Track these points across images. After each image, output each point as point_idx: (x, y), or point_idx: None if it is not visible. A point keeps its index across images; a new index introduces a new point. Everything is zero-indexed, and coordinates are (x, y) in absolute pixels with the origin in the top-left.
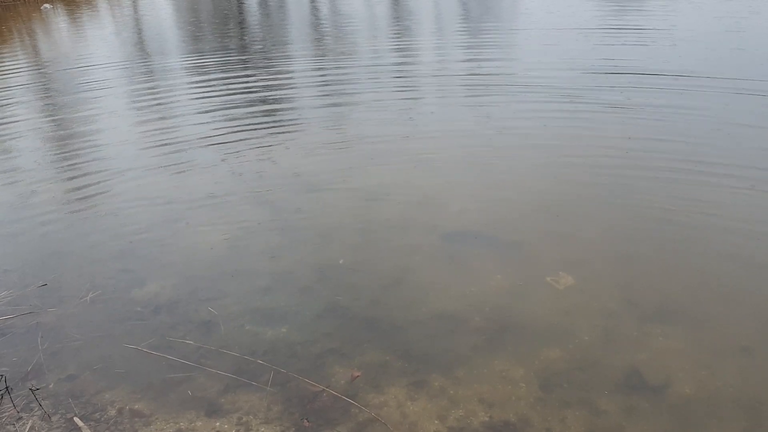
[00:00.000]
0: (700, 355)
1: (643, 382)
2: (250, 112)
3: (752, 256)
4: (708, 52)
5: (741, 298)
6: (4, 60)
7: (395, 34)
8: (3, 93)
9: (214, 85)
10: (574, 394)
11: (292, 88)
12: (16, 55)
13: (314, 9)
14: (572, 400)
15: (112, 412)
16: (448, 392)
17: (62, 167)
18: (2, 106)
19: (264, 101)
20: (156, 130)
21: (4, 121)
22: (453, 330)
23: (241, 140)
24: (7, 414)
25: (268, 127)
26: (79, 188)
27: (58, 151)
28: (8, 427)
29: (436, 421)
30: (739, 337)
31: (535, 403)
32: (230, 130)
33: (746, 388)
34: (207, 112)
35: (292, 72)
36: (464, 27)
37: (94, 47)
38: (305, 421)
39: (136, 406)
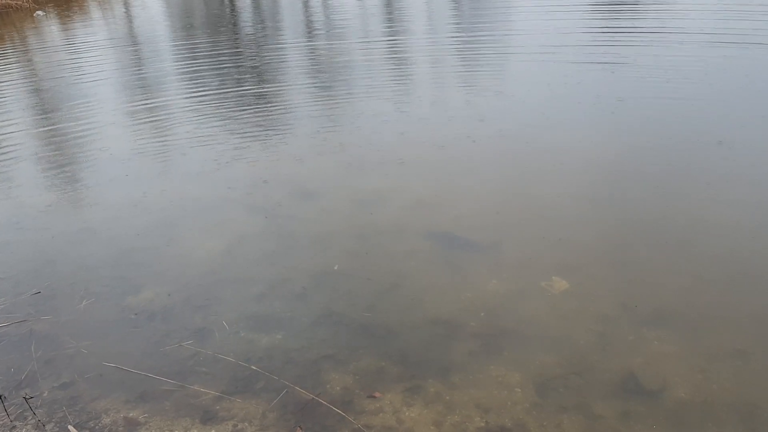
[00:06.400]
0: (696, 359)
1: (639, 387)
2: (244, 119)
3: (747, 259)
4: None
5: (736, 302)
6: None
7: (388, 34)
8: None
9: (207, 91)
10: (570, 398)
11: (286, 92)
12: (9, 62)
13: (307, 10)
14: (568, 405)
15: (107, 420)
16: (444, 398)
17: (55, 174)
18: None
19: (257, 107)
20: (149, 137)
21: None
22: (449, 335)
23: (235, 146)
24: (0, 423)
25: (263, 133)
26: (72, 195)
27: (51, 158)
28: None
29: (432, 427)
30: (734, 340)
31: (531, 408)
32: (225, 136)
33: (741, 391)
34: (201, 118)
35: (286, 76)
36: (457, 26)
37: (86, 53)
38: (298, 428)
39: (131, 414)
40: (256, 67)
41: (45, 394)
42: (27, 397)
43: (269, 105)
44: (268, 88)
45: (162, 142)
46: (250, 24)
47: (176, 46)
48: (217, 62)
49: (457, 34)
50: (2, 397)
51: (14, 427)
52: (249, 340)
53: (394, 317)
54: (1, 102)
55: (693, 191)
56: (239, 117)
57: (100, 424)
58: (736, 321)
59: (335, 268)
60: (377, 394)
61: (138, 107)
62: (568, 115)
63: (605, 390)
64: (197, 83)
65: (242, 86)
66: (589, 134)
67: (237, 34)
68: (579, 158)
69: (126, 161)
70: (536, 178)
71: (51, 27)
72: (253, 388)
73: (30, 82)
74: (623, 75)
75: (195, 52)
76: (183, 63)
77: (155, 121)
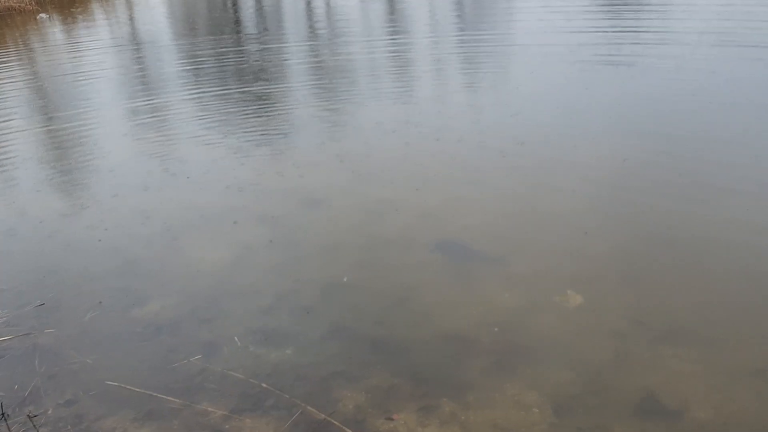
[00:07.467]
0: (715, 378)
1: (659, 407)
2: (248, 126)
3: (765, 273)
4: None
5: (753, 318)
6: (0, 70)
7: (392, 35)
8: None
9: (211, 97)
10: (589, 419)
11: (291, 96)
12: (12, 65)
13: (310, 13)
14: (586, 426)
15: None
16: (459, 418)
17: (59, 183)
18: None
19: (263, 115)
20: (152, 143)
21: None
22: (462, 351)
23: (240, 152)
24: None
25: (268, 140)
26: (76, 205)
27: (55, 167)
28: None
29: None
30: (753, 358)
31: (549, 429)
32: (230, 144)
33: (763, 411)
34: (205, 125)
35: (291, 82)
36: (460, 34)
37: (90, 57)
38: None
39: None
40: (261, 70)
41: (49, 412)
42: (31, 415)
43: (275, 110)
44: (273, 90)
45: (166, 148)
46: (253, 26)
47: (177, 48)
48: (220, 65)
49: (462, 36)
50: (5, 415)
51: None
52: (258, 356)
53: (405, 332)
54: (4, 104)
55: (710, 204)
56: (244, 122)
57: None
58: (755, 338)
59: (344, 280)
60: (395, 416)
61: (140, 114)
62: (581, 123)
63: (624, 410)
64: (200, 89)
65: (247, 92)
66: (603, 144)
67: (239, 36)
68: (593, 168)
69: (129, 168)
70: (548, 188)
71: (54, 29)
72: (263, 406)
73: (31, 85)
74: (636, 78)
75: (197, 54)
76: (185, 65)
77: (158, 127)
